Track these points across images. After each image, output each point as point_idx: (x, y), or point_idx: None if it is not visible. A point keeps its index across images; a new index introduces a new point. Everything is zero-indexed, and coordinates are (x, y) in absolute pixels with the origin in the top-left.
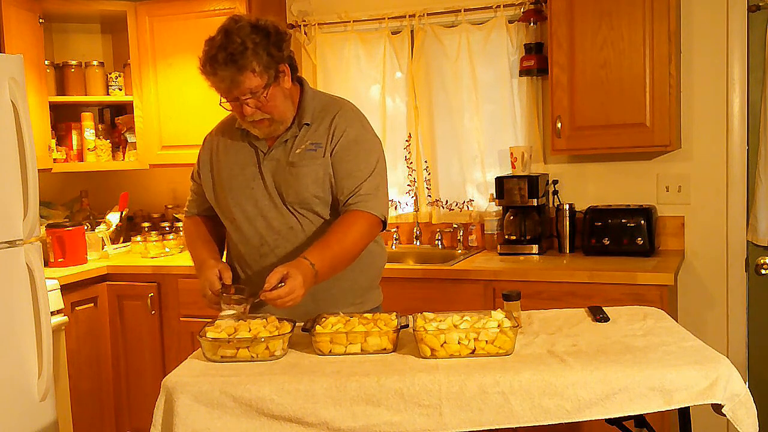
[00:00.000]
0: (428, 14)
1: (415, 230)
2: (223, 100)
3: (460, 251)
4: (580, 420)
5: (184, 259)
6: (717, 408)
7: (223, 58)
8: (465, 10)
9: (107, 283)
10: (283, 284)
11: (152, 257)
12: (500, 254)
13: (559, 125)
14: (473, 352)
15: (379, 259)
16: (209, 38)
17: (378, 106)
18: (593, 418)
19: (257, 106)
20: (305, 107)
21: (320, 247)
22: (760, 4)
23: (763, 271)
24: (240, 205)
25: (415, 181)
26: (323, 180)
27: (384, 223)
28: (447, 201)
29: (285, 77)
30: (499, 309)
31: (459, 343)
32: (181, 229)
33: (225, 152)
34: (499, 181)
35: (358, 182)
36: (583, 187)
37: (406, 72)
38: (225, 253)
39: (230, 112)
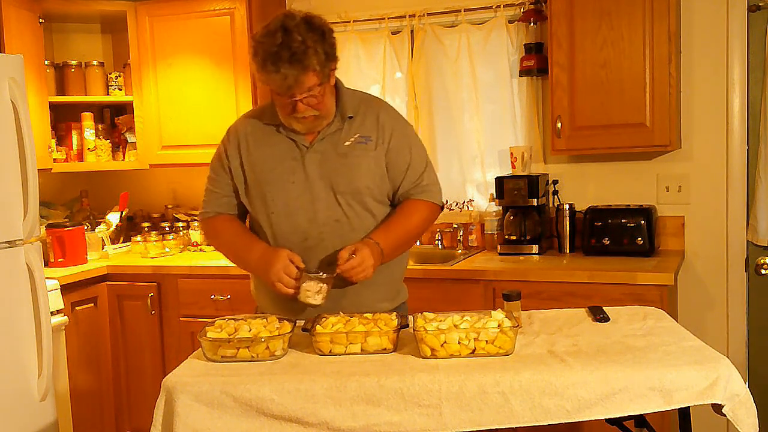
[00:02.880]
0: (428, 14)
1: None
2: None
3: (460, 251)
4: (581, 420)
5: (184, 259)
6: (717, 408)
7: (288, 56)
8: (465, 10)
9: (107, 283)
10: (354, 256)
11: (152, 257)
12: (500, 254)
13: (559, 125)
14: (473, 352)
15: (407, 254)
16: (264, 33)
17: None
18: (593, 418)
19: (310, 103)
20: (345, 101)
21: (384, 228)
22: (760, 4)
23: (763, 271)
24: (281, 199)
25: None
26: (374, 172)
27: (442, 207)
28: (447, 201)
29: (332, 74)
30: (499, 309)
31: (459, 343)
32: (181, 228)
33: (257, 146)
34: (499, 181)
35: (417, 174)
36: (583, 187)
37: (406, 72)
38: None
39: (254, 108)
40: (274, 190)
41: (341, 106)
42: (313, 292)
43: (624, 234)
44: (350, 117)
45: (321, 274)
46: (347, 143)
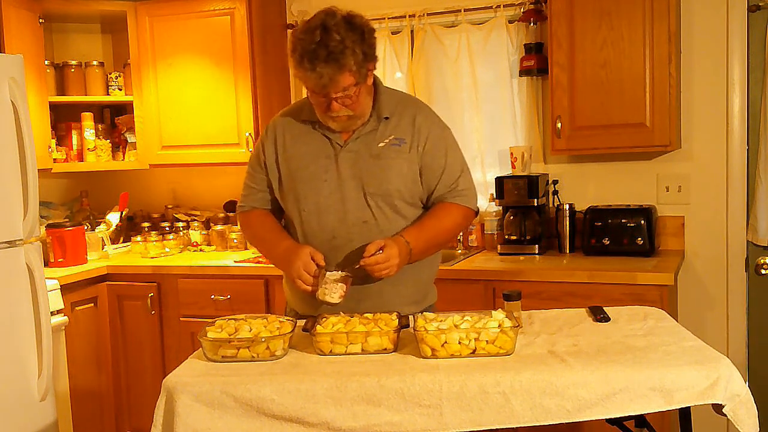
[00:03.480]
0: (428, 14)
1: None
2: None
3: (460, 251)
4: (581, 420)
5: (184, 259)
6: (717, 408)
7: (324, 55)
8: (465, 10)
9: (107, 283)
10: (381, 251)
11: (152, 257)
12: (500, 254)
13: (559, 125)
14: (474, 352)
15: (438, 255)
16: (304, 29)
17: None
18: (594, 418)
19: (345, 103)
20: (382, 102)
21: (416, 228)
22: (760, 4)
23: (763, 271)
24: (312, 196)
25: None
26: (406, 175)
27: (477, 213)
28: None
29: (370, 75)
30: (499, 309)
31: (460, 343)
32: (181, 228)
33: (293, 142)
34: (499, 181)
35: (453, 179)
36: (583, 187)
37: (406, 72)
38: None
39: (293, 103)
40: (307, 188)
41: (378, 107)
42: (331, 291)
43: (624, 234)
44: (386, 118)
45: (341, 273)
46: (381, 144)
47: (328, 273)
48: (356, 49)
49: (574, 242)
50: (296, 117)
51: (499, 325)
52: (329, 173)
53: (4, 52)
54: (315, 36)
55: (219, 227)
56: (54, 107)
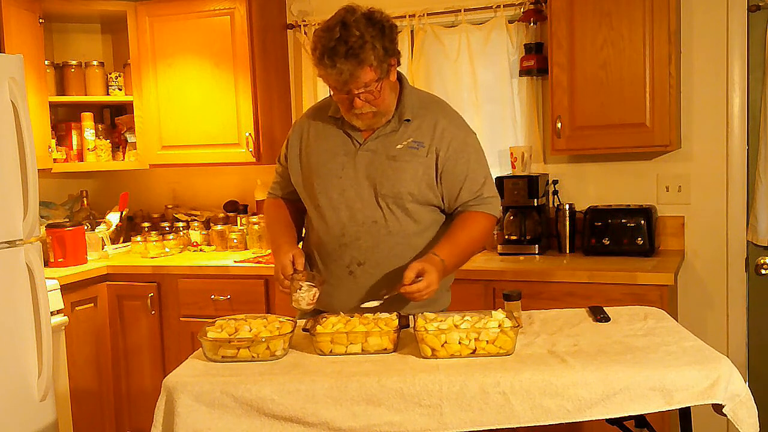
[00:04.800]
0: (428, 14)
1: None
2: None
3: None
4: (581, 420)
5: (184, 259)
6: (718, 408)
7: (344, 51)
8: (465, 10)
9: (107, 283)
10: (420, 278)
11: (152, 257)
12: (500, 254)
13: (559, 125)
14: (474, 352)
15: None
16: (324, 28)
17: None
18: (594, 418)
19: (368, 99)
20: (405, 102)
21: (448, 243)
22: (760, 4)
23: (763, 271)
24: (326, 193)
25: None
26: (421, 179)
27: (499, 220)
28: None
29: (393, 70)
30: (499, 309)
31: (460, 343)
32: (181, 228)
33: (316, 138)
34: (499, 181)
35: (477, 185)
36: (583, 187)
37: (406, 72)
38: (303, 239)
39: (322, 99)
40: (323, 183)
41: (400, 108)
42: (299, 297)
43: (624, 234)
44: (407, 120)
45: (312, 282)
46: (399, 146)
47: (300, 279)
48: (376, 44)
49: (574, 242)
50: (323, 113)
51: (499, 325)
52: (345, 171)
53: (4, 52)
54: (334, 33)
55: (219, 227)
56: (54, 107)
